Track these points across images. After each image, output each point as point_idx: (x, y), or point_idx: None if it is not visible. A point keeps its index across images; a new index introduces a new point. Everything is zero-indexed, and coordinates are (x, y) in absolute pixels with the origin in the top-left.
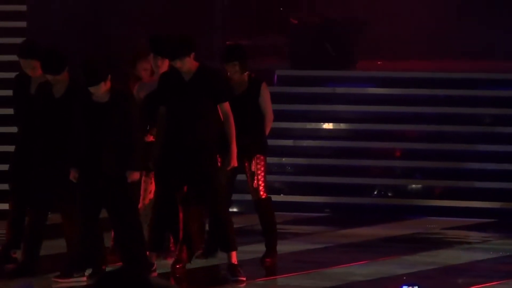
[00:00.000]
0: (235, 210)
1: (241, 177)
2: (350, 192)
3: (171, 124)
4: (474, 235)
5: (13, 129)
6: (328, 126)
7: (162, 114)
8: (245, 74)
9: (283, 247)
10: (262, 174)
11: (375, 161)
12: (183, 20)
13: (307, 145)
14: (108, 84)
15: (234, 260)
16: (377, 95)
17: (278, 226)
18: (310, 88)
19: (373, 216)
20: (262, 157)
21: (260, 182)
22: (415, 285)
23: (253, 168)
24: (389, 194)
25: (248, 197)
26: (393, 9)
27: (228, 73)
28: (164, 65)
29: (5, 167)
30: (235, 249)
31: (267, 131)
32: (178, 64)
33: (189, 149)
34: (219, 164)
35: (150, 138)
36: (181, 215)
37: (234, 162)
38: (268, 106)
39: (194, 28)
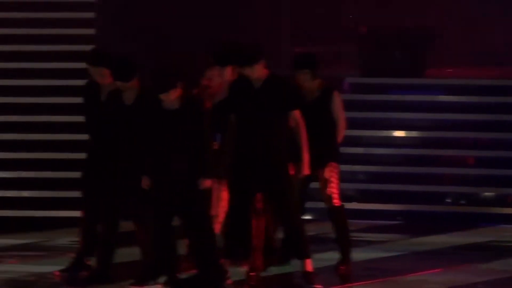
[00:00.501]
0: (308, 217)
1: (314, 185)
2: (423, 200)
3: (242, 132)
4: None
5: (84, 137)
6: (399, 133)
7: (232, 122)
8: (316, 82)
9: (356, 255)
10: (336, 181)
11: (448, 169)
12: (250, 29)
13: (379, 152)
14: (179, 91)
15: (309, 267)
16: (449, 102)
17: (351, 234)
18: (380, 96)
19: (446, 224)
20: (335, 165)
21: (333, 190)
22: None
23: (326, 175)
24: (462, 202)
25: (321, 204)
26: (465, 16)
27: (299, 81)
28: (231, 74)
29: (77, 174)
30: (310, 257)
31: (340, 138)
32: (248, 71)
33: (261, 157)
34: (291, 172)
35: (216, 146)
36: (254, 222)
37: (307, 170)
38: (340, 114)
39: (261, 37)
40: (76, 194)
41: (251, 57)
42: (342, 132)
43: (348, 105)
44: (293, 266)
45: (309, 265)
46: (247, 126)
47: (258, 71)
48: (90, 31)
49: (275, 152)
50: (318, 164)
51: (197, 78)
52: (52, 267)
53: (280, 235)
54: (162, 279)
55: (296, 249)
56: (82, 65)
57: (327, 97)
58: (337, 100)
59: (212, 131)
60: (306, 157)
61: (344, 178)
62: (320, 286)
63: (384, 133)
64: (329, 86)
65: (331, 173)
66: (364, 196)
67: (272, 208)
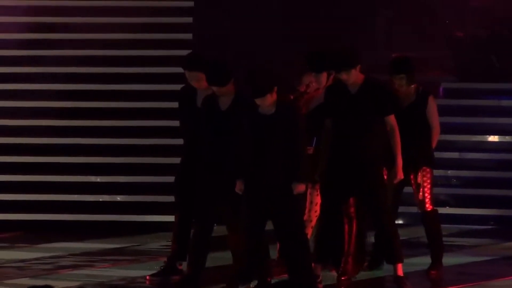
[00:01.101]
0: (400, 222)
1: (406, 189)
2: None
3: (338, 136)
4: None
5: (179, 141)
6: (493, 138)
7: (328, 127)
8: (412, 86)
9: (448, 260)
10: (429, 186)
11: None
12: (345, 35)
13: (473, 157)
14: (274, 96)
15: (400, 272)
16: None
17: (443, 239)
18: (475, 101)
19: None
20: (428, 170)
21: (426, 195)
22: None
23: (419, 180)
24: None
25: (414, 209)
26: None
27: (395, 86)
28: (325, 80)
29: (170, 179)
30: (402, 261)
31: (434, 143)
32: (344, 76)
33: (356, 161)
34: (385, 176)
35: (311, 151)
36: (346, 227)
37: (400, 175)
38: (435, 119)
39: (356, 42)
40: (169, 198)
41: (346, 62)
42: (437, 137)
43: (443, 110)
44: (384, 270)
45: (400, 270)
46: (343, 130)
47: (354, 76)
48: (188, 36)
49: (370, 156)
50: (412, 168)
51: (293, 84)
52: (143, 272)
53: (372, 239)
54: (254, 283)
55: (388, 254)
56: (178, 69)
57: (422, 102)
58: (432, 105)
59: (308, 135)
60: (399, 161)
61: (437, 183)
62: None
63: (478, 137)
64: (424, 90)
65: (424, 177)
66: (457, 201)
67: (365, 212)
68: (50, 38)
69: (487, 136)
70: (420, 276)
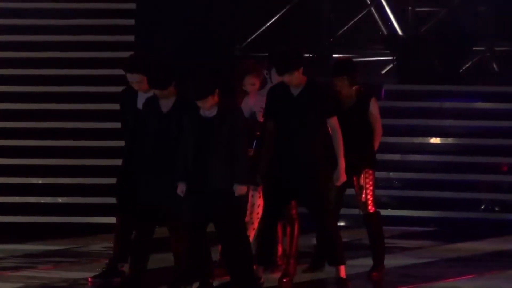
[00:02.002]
0: (342, 224)
1: (349, 191)
2: (457, 207)
3: (279, 138)
4: None
5: (121, 143)
6: (435, 140)
7: (269, 129)
8: (354, 88)
9: (390, 261)
10: (371, 188)
11: (482, 176)
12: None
13: (415, 159)
14: (216, 98)
15: (343, 274)
16: (485, 109)
17: (385, 240)
18: (417, 103)
19: (480, 230)
20: (370, 171)
21: (369, 196)
22: None
23: (361, 182)
24: (496, 209)
25: (355, 211)
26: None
27: (337, 87)
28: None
29: (112, 180)
30: (344, 263)
31: (376, 145)
32: (287, 78)
33: (298, 163)
34: (327, 178)
35: (251, 153)
36: (289, 229)
37: (343, 177)
38: (377, 121)
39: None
40: (110, 200)
41: (289, 64)
42: (379, 138)
43: (385, 112)
44: (326, 272)
45: (343, 272)
46: (285, 132)
47: (297, 78)
48: (129, 38)
49: (311, 158)
50: (354, 170)
51: (238, 84)
52: (85, 273)
53: (314, 241)
54: (195, 285)
55: (330, 255)
56: (120, 71)
57: (364, 104)
58: (374, 107)
59: (249, 137)
60: (342, 163)
61: (379, 184)
62: None
63: (420, 140)
64: (366, 92)
65: (366, 179)
66: (399, 203)
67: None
68: None
69: (429, 138)
70: (362, 278)
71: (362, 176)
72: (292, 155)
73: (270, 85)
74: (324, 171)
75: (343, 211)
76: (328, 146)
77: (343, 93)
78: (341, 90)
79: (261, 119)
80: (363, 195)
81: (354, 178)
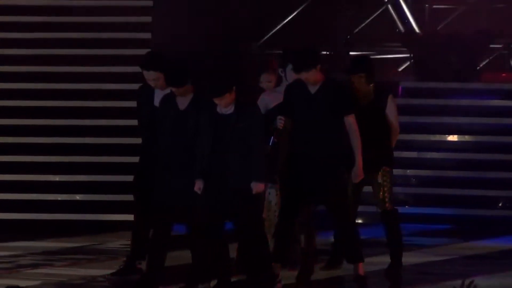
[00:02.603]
0: (360, 221)
1: (366, 188)
2: (475, 204)
3: (297, 136)
4: None
5: (138, 140)
6: (452, 138)
7: (287, 127)
8: (371, 85)
9: (407, 259)
10: (388, 185)
11: (500, 173)
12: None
13: (432, 157)
14: (233, 95)
15: (361, 271)
16: (501, 107)
17: (403, 238)
18: (434, 100)
19: (497, 228)
20: (388, 169)
21: (386, 194)
22: None
23: (379, 179)
24: None
25: (373, 208)
26: None
27: (355, 85)
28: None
29: (129, 178)
30: (362, 261)
31: (393, 143)
32: (304, 76)
33: (315, 161)
34: (345, 176)
35: (267, 150)
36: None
37: (361, 175)
38: (394, 118)
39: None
40: (128, 197)
41: (306, 62)
42: (396, 136)
43: (402, 110)
44: (344, 269)
45: (361, 269)
46: (302, 130)
47: (313, 76)
48: (147, 35)
49: (329, 156)
50: (371, 168)
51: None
52: (102, 271)
53: (331, 238)
54: (213, 282)
55: (349, 253)
56: (137, 69)
57: (382, 101)
58: (392, 104)
59: (266, 135)
60: (359, 161)
61: (396, 182)
62: None
63: (437, 137)
64: (384, 90)
65: (384, 177)
66: (416, 200)
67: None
68: (6, 38)
69: (446, 135)
70: (380, 276)
71: (379, 173)
72: (310, 152)
73: (285, 83)
74: (342, 168)
75: (360, 208)
76: (345, 144)
77: (360, 91)
78: (358, 88)
79: (281, 127)
80: (381, 193)
81: (372, 176)
